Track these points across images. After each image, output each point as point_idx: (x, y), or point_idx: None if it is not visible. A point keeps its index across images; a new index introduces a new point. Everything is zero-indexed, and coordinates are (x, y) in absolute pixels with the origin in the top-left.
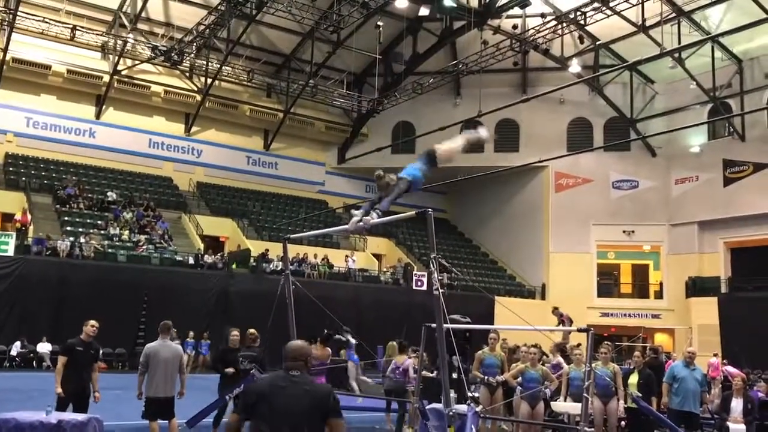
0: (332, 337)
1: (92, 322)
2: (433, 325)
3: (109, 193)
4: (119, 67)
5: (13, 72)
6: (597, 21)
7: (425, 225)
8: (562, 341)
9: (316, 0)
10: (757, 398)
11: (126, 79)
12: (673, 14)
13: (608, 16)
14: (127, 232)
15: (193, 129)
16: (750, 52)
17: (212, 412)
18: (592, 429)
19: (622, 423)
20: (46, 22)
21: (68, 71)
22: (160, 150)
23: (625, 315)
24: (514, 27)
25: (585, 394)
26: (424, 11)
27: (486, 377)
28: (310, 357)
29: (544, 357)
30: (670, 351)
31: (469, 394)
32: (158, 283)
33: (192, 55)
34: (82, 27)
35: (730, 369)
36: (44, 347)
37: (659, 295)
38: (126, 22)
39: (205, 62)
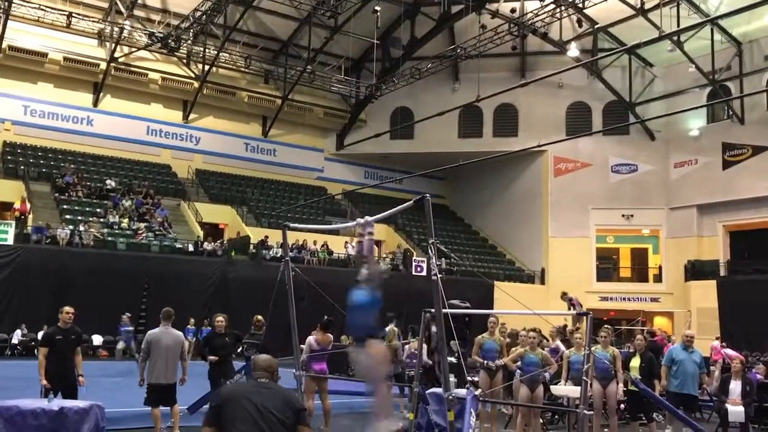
0: (332, 323)
1: (67, 308)
2: (432, 310)
3: (107, 181)
4: (116, 55)
5: (10, 60)
6: (595, 4)
7: (424, 211)
8: (573, 327)
9: None
10: (756, 380)
11: (123, 67)
12: None
13: None
14: (126, 220)
15: (191, 116)
16: (749, 34)
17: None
18: (592, 412)
19: (622, 406)
20: (42, 9)
21: (65, 59)
22: (158, 137)
23: (624, 299)
24: (513, 11)
25: (584, 378)
26: None
27: (485, 362)
28: (277, 371)
29: (543, 341)
30: (670, 334)
31: (468, 379)
32: (158, 271)
33: (189, 41)
34: (79, 14)
35: (729, 351)
36: None
37: (658, 278)
38: (122, 9)
39: (202, 49)
